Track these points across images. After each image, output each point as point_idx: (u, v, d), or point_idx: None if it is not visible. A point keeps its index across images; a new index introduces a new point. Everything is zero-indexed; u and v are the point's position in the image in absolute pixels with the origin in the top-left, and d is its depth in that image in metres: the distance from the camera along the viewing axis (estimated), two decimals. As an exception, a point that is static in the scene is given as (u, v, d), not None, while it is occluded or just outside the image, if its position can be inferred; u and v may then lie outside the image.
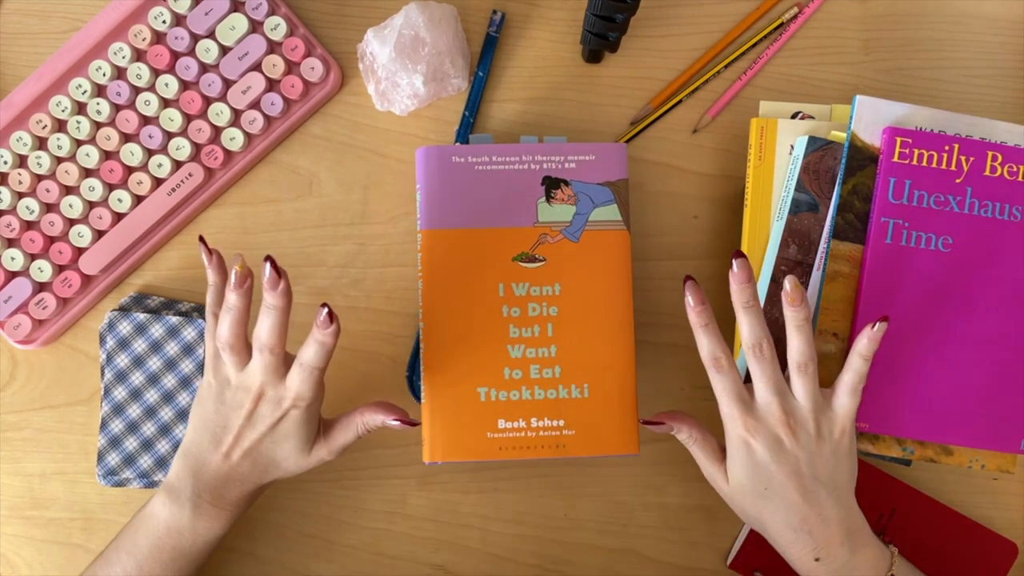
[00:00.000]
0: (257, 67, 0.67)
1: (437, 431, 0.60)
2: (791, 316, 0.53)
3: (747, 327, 0.54)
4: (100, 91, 0.67)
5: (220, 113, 0.66)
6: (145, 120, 0.67)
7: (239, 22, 0.66)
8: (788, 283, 0.53)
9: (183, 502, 0.56)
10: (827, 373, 0.59)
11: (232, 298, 0.54)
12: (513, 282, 0.62)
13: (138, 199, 0.66)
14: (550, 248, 0.62)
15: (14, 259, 0.65)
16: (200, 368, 0.65)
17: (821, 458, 0.53)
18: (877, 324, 0.53)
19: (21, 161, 0.66)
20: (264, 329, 0.54)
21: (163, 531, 0.56)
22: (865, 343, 0.53)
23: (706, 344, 0.54)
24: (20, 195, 0.66)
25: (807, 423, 0.53)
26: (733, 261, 0.53)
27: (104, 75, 0.66)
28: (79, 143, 0.66)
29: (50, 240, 0.66)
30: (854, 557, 0.53)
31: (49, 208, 0.66)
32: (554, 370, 0.61)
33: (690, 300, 0.54)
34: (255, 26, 0.67)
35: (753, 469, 0.54)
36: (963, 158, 0.59)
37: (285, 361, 0.56)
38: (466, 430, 0.60)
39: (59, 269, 0.66)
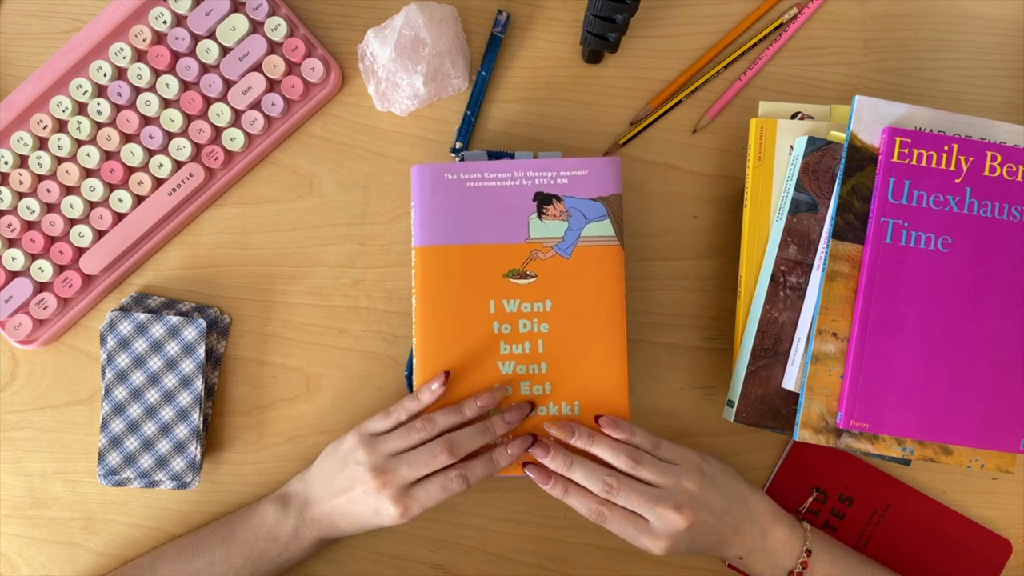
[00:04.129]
0: (258, 67, 0.67)
1: None
2: (587, 445, 0.59)
3: (584, 483, 0.58)
4: (101, 91, 0.67)
5: (221, 113, 0.66)
6: (146, 120, 0.67)
7: (239, 22, 0.66)
8: (559, 431, 0.60)
9: (291, 517, 0.61)
10: (827, 373, 0.59)
11: (500, 427, 0.59)
12: (504, 299, 0.62)
13: (139, 199, 0.67)
14: (541, 264, 0.62)
15: (15, 259, 0.65)
16: (200, 368, 0.65)
17: (712, 495, 0.59)
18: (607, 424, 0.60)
19: (22, 161, 0.66)
20: (465, 439, 0.58)
21: (263, 532, 0.61)
22: (617, 435, 0.60)
23: (580, 507, 0.58)
24: (21, 195, 0.66)
25: (685, 493, 0.58)
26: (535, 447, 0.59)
27: (105, 75, 0.66)
28: (80, 143, 0.67)
29: (51, 240, 0.66)
30: (767, 540, 0.60)
31: (50, 208, 0.67)
32: (544, 387, 0.61)
33: (538, 481, 0.59)
34: (255, 26, 0.67)
35: (685, 550, 0.59)
36: (962, 158, 0.60)
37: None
38: None
39: (60, 269, 0.66)
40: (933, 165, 0.59)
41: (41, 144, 0.66)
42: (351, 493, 0.58)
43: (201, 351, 0.65)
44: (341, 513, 0.60)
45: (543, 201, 0.62)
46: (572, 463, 0.58)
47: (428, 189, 0.62)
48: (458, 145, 0.68)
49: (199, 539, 0.63)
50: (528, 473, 0.59)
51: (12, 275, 0.66)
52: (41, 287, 0.66)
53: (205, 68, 0.67)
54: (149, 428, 0.64)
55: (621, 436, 0.59)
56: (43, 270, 0.66)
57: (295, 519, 0.61)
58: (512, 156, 0.65)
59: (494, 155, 0.66)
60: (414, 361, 0.62)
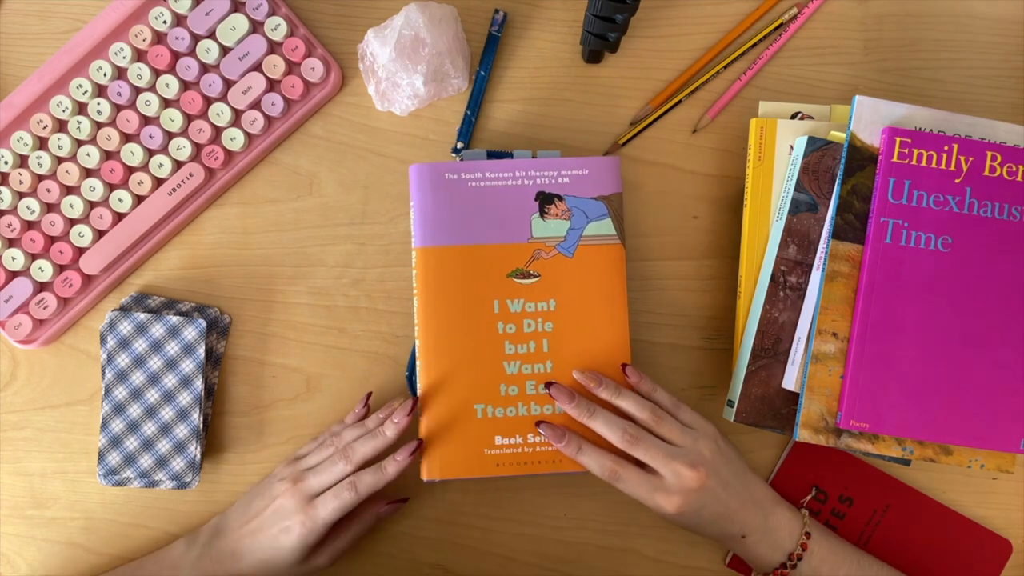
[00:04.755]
0: (257, 67, 0.67)
1: (435, 449, 0.60)
2: (613, 396, 0.60)
3: (604, 431, 0.59)
4: (101, 91, 0.67)
5: (221, 113, 0.66)
6: (146, 120, 0.67)
7: (239, 22, 0.66)
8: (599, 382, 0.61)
9: (195, 548, 0.62)
10: (827, 373, 0.59)
11: (389, 428, 0.59)
12: (508, 298, 0.62)
13: (139, 199, 0.67)
14: (544, 264, 0.62)
15: (15, 259, 0.65)
16: (200, 368, 0.65)
17: (723, 464, 0.59)
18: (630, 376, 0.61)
19: (22, 161, 0.66)
20: (359, 444, 0.59)
21: (168, 563, 0.62)
22: (642, 387, 0.61)
23: (593, 465, 0.58)
24: (21, 195, 0.66)
25: (700, 455, 0.58)
26: (551, 391, 0.60)
27: (105, 75, 0.66)
28: (80, 143, 0.67)
29: (51, 240, 0.66)
30: (769, 520, 0.61)
31: (50, 208, 0.67)
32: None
33: (552, 439, 0.59)
34: (255, 26, 0.67)
35: (694, 518, 0.59)
36: (962, 158, 0.60)
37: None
38: (463, 447, 0.60)
39: (60, 269, 0.66)
40: (933, 165, 0.59)
41: (41, 144, 0.66)
42: (264, 513, 0.59)
43: (201, 351, 0.65)
44: (248, 536, 0.60)
45: (545, 200, 0.62)
46: (595, 411, 0.59)
47: (428, 189, 0.62)
48: (459, 145, 0.68)
49: (114, 572, 0.63)
50: (541, 431, 0.60)
51: (12, 275, 0.66)
52: (41, 287, 0.66)
53: (205, 68, 0.67)
54: (149, 428, 0.64)
55: (644, 388, 0.61)
56: (43, 270, 0.66)
57: (199, 549, 0.61)
58: (511, 155, 0.65)
59: (493, 155, 0.66)
60: (417, 364, 0.62)
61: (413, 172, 0.62)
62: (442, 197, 0.62)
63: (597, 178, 0.63)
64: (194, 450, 0.64)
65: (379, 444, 0.59)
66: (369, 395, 0.64)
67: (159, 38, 0.67)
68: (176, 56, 0.67)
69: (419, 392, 0.61)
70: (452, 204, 0.62)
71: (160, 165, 0.66)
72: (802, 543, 0.60)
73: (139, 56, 0.67)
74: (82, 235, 0.66)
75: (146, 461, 0.64)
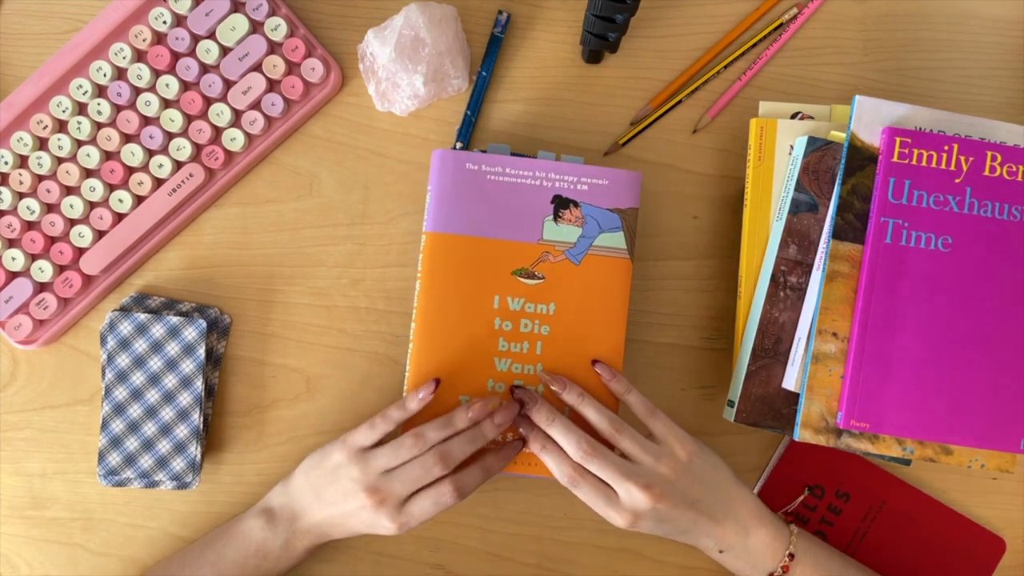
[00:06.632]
0: (258, 68, 0.67)
1: None
2: (576, 402, 0.59)
3: (562, 441, 0.58)
4: (101, 91, 0.67)
5: (221, 113, 0.66)
6: (146, 120, 0.67)
7: (239, 23, 0.66)
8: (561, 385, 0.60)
9: (279, 532, 0.60)
10: (827, 373, 0.59)
11: (490, 431, 0.58)
12: (509, 296, 0.62)
13: (139, 199, 0.67)
14: (550, 267, 0.62)
15: (15, 259, 0.65)
16: (200, 368, 0.65)
17: (689, 484, 0.58)
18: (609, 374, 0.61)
19: (22, 161, 0.66)
20: (457, 448, 0.58)
21: (252, 551, 0.60)
22: (614, 385, 0.60)
23: (554, 468, 0.58)
24: (21, 195, 0.66)
25: (658, 476, 0.57)
26: (516, 393, 0.60)
27: (105, 75, 0.66)
28: (80, 143, 0.67)
29: (51, 240, 0.66)
30: (749, 540, 0.59)
31: (50, 208, 0.67)
32: (537, 390, 0.61)
33: (526, 439, 0.59)
34: (255, 27, 0.67)
35: (654, 530, 0.58)
36: (962, 158, 0.60)
37: None
38: None
39: (60, 269, 0.66)
40: (933, 165, 0.59)
41: (41, 144, 0.66)
42: (343, 507, 0.58)
43: (201, 351, 0.65)
44: (332, 524, 0.60)
45: (561, 204, 0.62)
46: (554, 420, 0.58)
47: (448, 175, 0.62)
48: (458, 145, 0.68)
49: (186, 563, 0.61)
50: (521, 430, 0.60)
51: (12, 275, 0.66)
52: (41, 287, 0.66)
53: (205, 68, 0.67)
54: (149, 428, 0.64)
55: (617, 388, 0.60)
56: (43, 270, 0.66)
57: (285, 532, 0.60)
58: (534, 156, 0.65)
59: (514, 155, 0.66)
60: (409, 347, 0.62)
61: (435, 157, 0.63)
62: (460, 185, 0.62)
63: (616, 190, 0.63)
64: (194, 450, 0.65)
65: (479, 447, 0.58)
66: (437, 381, 0.60)
67: (159, 38, 0.67)
68: (176, 56, 0.67)
69: (407, 376, 0.61)
70: (469, 194, 0.62)
71: (160, 165, 0.66)
72: (783, 565, 0.59)
73: (139, 56, 0.67)
74: (82, 235, 0.66)
75: (146, 461, 0.64)
